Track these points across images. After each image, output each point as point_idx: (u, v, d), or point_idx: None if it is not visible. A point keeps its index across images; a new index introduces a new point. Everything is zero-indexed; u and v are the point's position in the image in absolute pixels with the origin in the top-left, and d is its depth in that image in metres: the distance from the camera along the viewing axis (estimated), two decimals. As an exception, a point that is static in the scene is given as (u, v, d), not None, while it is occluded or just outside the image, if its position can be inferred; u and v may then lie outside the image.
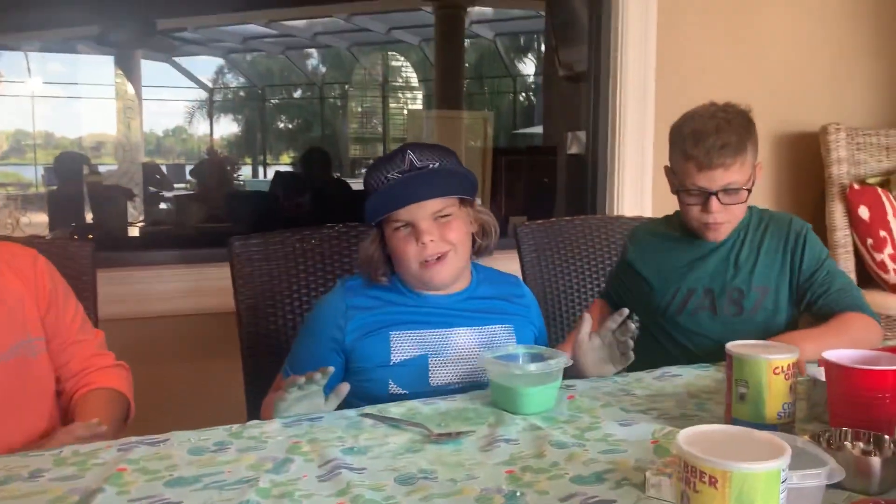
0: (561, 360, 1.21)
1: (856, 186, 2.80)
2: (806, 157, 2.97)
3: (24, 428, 1.26)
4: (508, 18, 11.70)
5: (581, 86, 3.19)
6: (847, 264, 2.79)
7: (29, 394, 1.27)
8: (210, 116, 17.00)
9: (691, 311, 1.62)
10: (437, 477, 0.96)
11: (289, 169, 13.67)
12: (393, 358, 1.34)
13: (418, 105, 14.56)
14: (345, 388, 1.22)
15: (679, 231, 1.68)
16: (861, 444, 0.96)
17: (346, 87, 15.74)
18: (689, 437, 0.69)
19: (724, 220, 1.56)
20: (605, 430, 1.11)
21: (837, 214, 2.82)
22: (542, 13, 5.86)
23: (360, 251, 1.43)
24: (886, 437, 0.95)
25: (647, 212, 2.71)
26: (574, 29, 3.77)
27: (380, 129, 14.76)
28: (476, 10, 9.98)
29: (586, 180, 2.99)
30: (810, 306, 1.58)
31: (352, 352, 1.37)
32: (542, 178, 4.14)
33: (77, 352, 1.37)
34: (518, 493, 0.90)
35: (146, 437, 1.08)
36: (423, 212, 1.34)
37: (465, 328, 1.39)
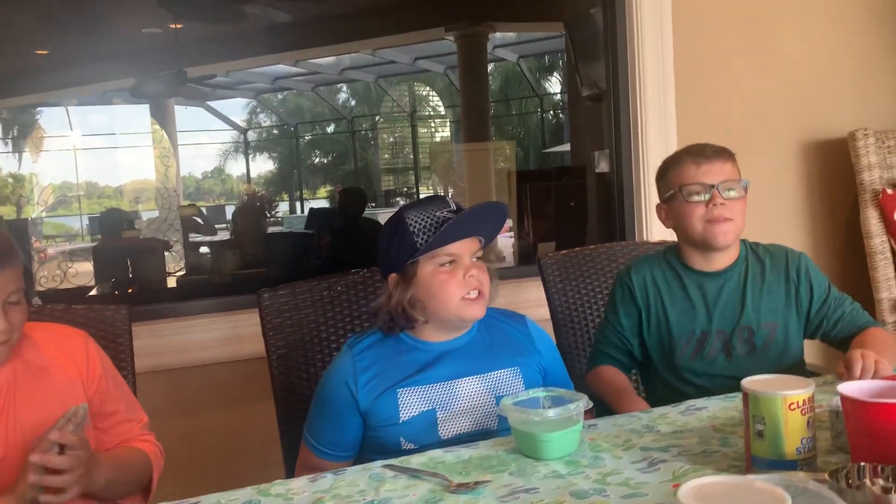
0: (581, 403, 1.21)
1: (889, 191, 2.75)
2: (836, 163, 2.93)
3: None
4: (530, 40, 11.78)
5: (603, 104, 3.19)
6: (886, 270, 2.74)
7: None
8: (246, 156, 17.40)
9: (706, 356, 1.61)
10: (457, 530, 0.97)
11: (324, 205, 13.87)
12: (402, 415, 1.37)
13: (446, 131, 14.71)
14: None
15: (680, 268, 1.68)
16: (881, 481, 0.94)
17: (377, 118, 15.98)
18: (691, 492, 0.69)
19: (730, 215, 1.57)
20: (626, 474, 1.11)
21: (872, 220, 2.77)
22: (563, 33, 5.90)
23: (382, 302, 1.43)
24: (908, 470, 0.93)
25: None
26: (594, 47, 3.78)
27: (410, 157, 14.92)
28: (498, 36, 10.06)
29: (612, 200, 2.97)
30: (827, 332, 1.60)
31: (366, 413, 1.39)
32: (569, 202, 4.14)
33: (120, 432, 1.42)
34: (536, 546, 0.91)
35: (179, 501, 1.11)
36: (469, 249, 1.42)
37: (471, 377, 1.41)
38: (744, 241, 1.67)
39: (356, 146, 17.21)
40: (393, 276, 1.44)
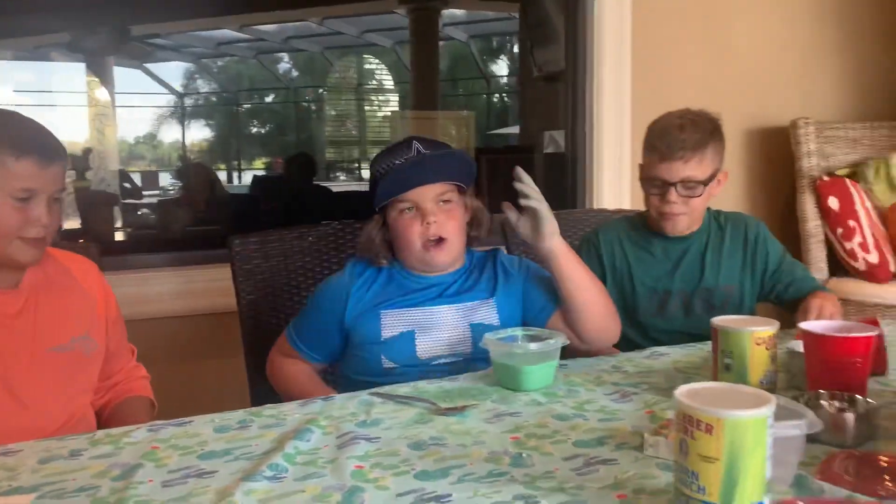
0: (559, 339, 1.29)
1: (825, 178, 2.91)
2: (777, 151, 3.09)
3: (59, 416, 1.31)
4: (481, 20, 11.81)
5: (557, 85, 3.26)
6: (818, 253, 2.91)
7: (74, 387, 1.34)
8: (182, 122, 16.91)
9: (667, 313, 1.72)
10: (447, 443, 1.04)
11: (264, 174, 13.66)
12: (383, 334, 1.44)
13: (394, 107, 14.64)
14: None
15: (645, 233, 1.78)
16: (836, 403, 1.05)
17: (321, 90, 15.76)
18: (686, 392, 0.77)
19: (681, 211, 1.67)
20: (601, 403, 1.19)
21: (808, 206, 2.94)
22: (516, 15, 5.96)
23: (362, 235, 1.53)
24: (859, 396, 1.05)
25: (626, 207, 2.81)
26: (549, 30, 3.86)
27: (355, 131, 14.81)
28: (448, 13, 10.07)
29: (565, 178, 3.06)
30: (780, 295, 1.72)
31: (350, 329, 1.47)
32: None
33: (123, 363, 1.51)
34: (524, 454, 0.99)
35: (172, 419, 1.14)
36: (429, 193, 1.46)
37: (449, 305, 1.49)
38: (708, 209, 1.77)
39: (298, 117, 16.96)
40: (376, 215, 1.51)
